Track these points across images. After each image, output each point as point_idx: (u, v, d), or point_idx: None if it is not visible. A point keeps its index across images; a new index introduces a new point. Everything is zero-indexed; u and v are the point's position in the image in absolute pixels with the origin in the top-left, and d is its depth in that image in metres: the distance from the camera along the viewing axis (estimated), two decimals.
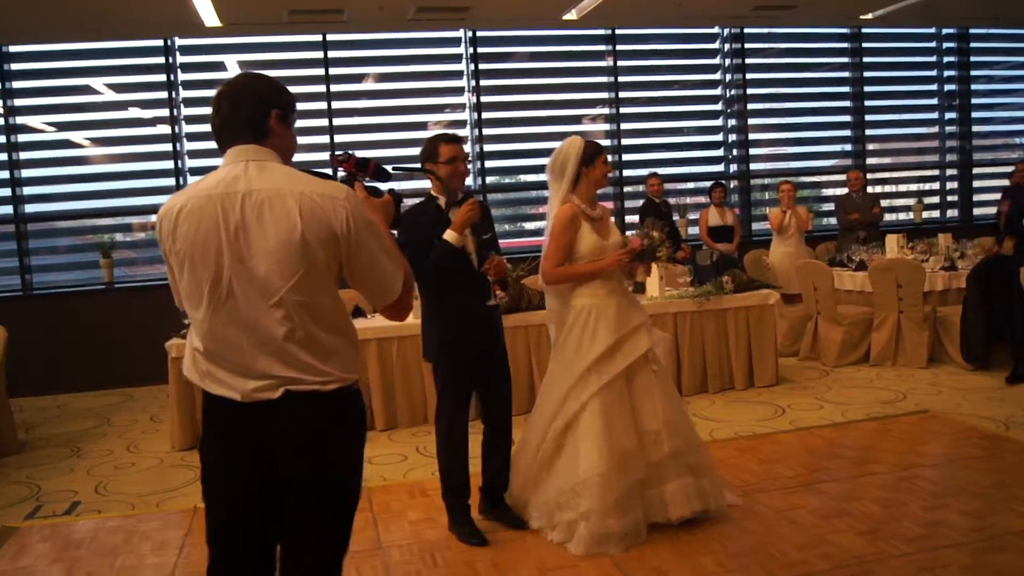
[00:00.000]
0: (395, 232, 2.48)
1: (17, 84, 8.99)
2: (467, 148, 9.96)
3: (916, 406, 6.10)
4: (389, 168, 2.47)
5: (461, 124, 10.13)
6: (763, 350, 6.92)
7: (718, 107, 10.81)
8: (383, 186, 2.43)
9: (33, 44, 8.97)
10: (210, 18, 8.37)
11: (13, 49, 8.94)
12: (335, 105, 9.59)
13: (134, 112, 9.39)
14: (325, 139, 9.60)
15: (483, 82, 9.99)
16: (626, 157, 10.51)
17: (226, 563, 2.20)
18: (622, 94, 10.42)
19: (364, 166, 2.39)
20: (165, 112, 9.21)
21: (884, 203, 10.77)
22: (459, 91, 10.04)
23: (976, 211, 11.86)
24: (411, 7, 8.54)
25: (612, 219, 4.27)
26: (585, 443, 3.87)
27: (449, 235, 3.87)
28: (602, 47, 10.38)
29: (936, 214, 11.86)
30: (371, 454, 5.65)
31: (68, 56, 9.07)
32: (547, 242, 4.07)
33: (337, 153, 2.38)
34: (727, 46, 10.71)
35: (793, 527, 4.00)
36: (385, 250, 2.16)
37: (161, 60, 9.18)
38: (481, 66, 9.95)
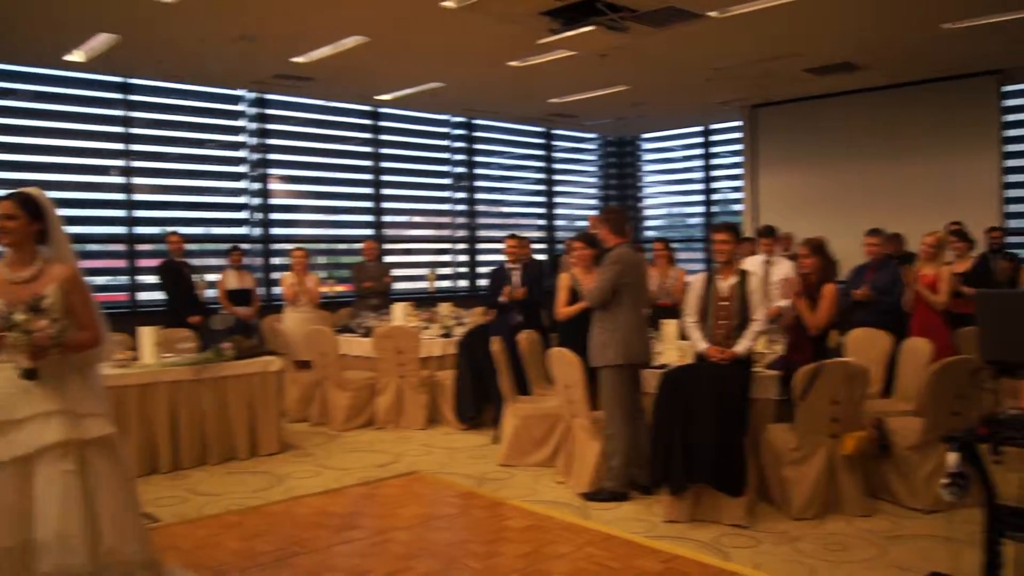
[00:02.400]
0: None
1: None
2: None
3: (407, 467, 6.40)
4: None
5: None
6: (266, 418, 6.81)
7: (241, 169, 10.70)
8: None
9: None
10: None
11: None
12: None
13: None
14: None
15: None
16: (139, 213, 9.92)
17: None
18: (137, 147, 9.86)
19: None
20: None
21: (402, 272, 11.46)
22: None
23: (480, 282, 13.11)
24: None
25: (54, 284, 3.49)
26: None
27: None
28: (115, 95, 9.76)
29: (448, 284, 12.89)
30: None
31: None
32: None
33: None
34: (251, 109, 10.70)
35: None
36: None
37: None
38: None
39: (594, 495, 5.46)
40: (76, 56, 8.68)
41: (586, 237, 6.49)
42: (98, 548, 3.36)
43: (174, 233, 8.85)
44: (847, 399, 5.06)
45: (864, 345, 6.55)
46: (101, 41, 8.23)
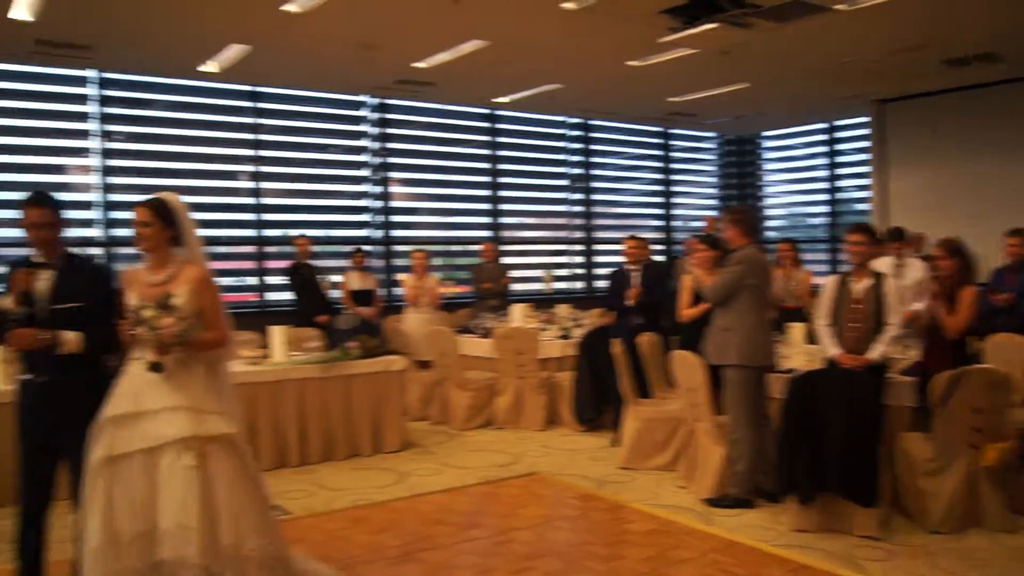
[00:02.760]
0: None
1: None
2: (95, 196, 9.25)
3: (527, 468, 6.43)
4: None
5: (87, 171, 9.36)
6: (390, 416, 6.97)
7: (362, 173, 10.99)
8: None
9: None
10: None
11: None
12: None
13: None
14: None
15: (115, 128, 9.34)
16: (267, 217, 10.31)
17: None
18: (265, 152, 10.26)
19: None
20: None
21: (519, 273, 11.53)
22: (85, 134, 9.30)
23: (597, 283, 13.07)
24: (27, 38, 7.78)
25: (186, 286, 3.65)
26: (92, 514, 3.48)
27: (3, 300, 3.64)
28: (246, 103, 10.17)
29: (564, 285, 12.90)
30: None
31: None
32: None
33: None
34: (372, 114, 10.97)
35: None
36: None
37: None
38: (113, 111, 9.31)
39: (718, 501, 5.36)
40: (210, 67, 9.08)
41: (709, 238, 6.38)
42: (216, 542, 3.44)
43: (302, 236, 9.14)
44: (990, 408, 4.80)
45: (1006, 351, 6.20)
46: (234, 52, 8.59)
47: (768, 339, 5.50)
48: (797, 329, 6.18)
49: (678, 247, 13.68)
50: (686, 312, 6.32)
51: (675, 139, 14.42)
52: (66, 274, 3.71)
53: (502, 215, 12.32)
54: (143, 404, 3.52)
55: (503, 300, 9.55)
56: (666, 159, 14.36)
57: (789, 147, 14.76)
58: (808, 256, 13.14)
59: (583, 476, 6.14)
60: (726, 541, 4.72)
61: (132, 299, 3.64)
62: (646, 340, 6.72)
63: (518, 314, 8.65)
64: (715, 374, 5.47)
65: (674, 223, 14.48)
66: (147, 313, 3.47)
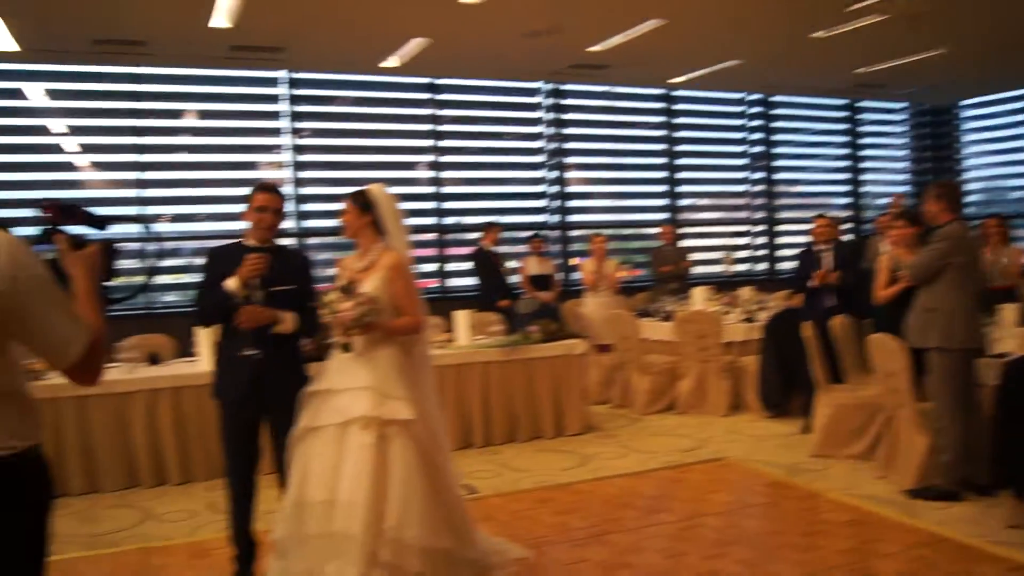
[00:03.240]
0: (110, 284, 2.26)
1: None
2: (286, 191, 9.78)
3: (713, 454, 6.28)
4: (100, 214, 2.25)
5: (279, 167, 9.92)
6: (571, 399, 7.00)
7: (539, 159, 11.06)
8: (97, 234, 2.21)
9: None
10: (5, 42, 7.85)
11: None
12: (146, 141, 9.18)
13: None
14: (134, 175, 9.17)
15: (303, 124, 9.85)
16: (446, 205, 10.58)
17: None
18: (444, 143, 10.52)
19: (71, 213, 2.18)
20: None
21: (698, 256, 11.29)
22: (277, 132, 9.85)
23: (780, 265, 12.61)
24: (224, 44, 8.31)
25: (380, 272, 3.80)
26: (293, 474, 3.70)
27: (230, 282, 3.78)
28: (424, 95, 10.46)
29: (745, 267, 12.52)
30: (159, 511, 5.33)
31: None
32: None
33: (41, 200, 2.17)
34: (547, 100, 11.02)
35: None
36: (59, 305, 1.94)
37: None
38: (302, 108, 9.81)
39: (921, 492, 5.03)
40: (391, 61, 9.38)
41: (908, 214, 5.98)
42: (380, 523, 3.50)
43: (492, 224, 9.29)
44: None
45: None
46: (413, 45, 8.83)
47: (976, 320, 5.10)
48: (1009, 310, 5.72)
49: (867, 226, 12.98)
50: (882, 293, 5.96)
51: (862, 111, 13.67)
52: (278, 259, 3.93)
53: (680, 197, 12.09)
54: (337, 382, 3.71)
55: (682, 283, 9.38)
56: (853, 133, 13.64)
57: (992, 115, 13.67)
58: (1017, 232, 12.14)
59: (773, 463, 5.94)
60: (932, 535, 4.43)
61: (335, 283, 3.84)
62: (839, 323, 6.41)
63: (699, 297, 8.47)
64: (917, 358, 5.13)
65: (862, 201, 13.74)
66: (329, 297, 3.65)
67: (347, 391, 3.67)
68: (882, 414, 5.68)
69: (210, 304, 3.89)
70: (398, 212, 3.94)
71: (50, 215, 2.15)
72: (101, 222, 2.25)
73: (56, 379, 5.71)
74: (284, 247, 4.06)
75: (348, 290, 3.67)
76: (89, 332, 1.98)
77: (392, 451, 3.60)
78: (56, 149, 9.20)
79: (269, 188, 3.94)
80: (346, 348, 3.71)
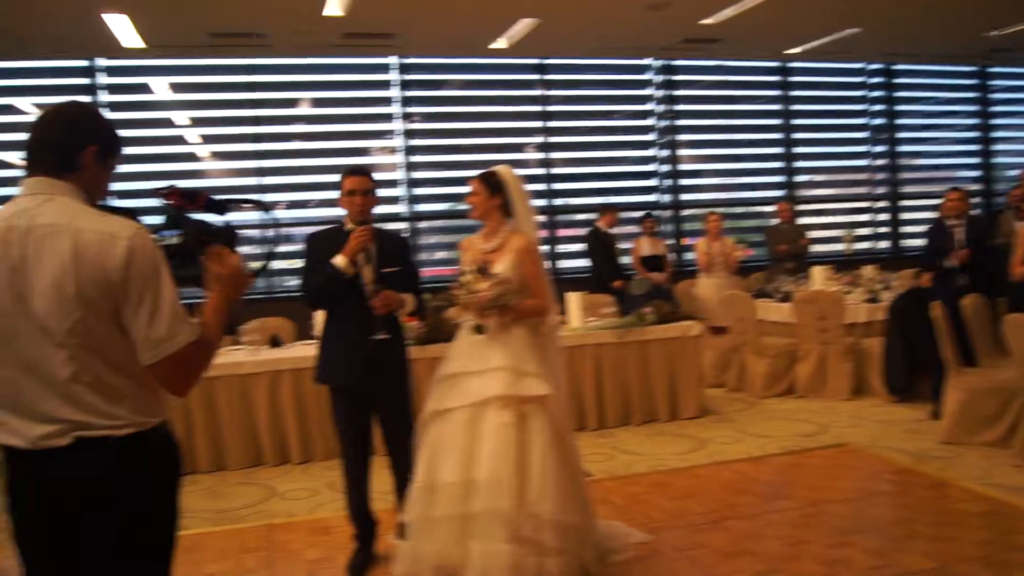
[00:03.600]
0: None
1: None
2: (397, 175, 9.93)
3: (835, 439, 6.06)
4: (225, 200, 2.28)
5: (391, 152, 10.06)
6: (686, 382, 6.87)
7: (649, 137, 10.88)
8: (219, 219, 2.24)
9: None
10: (131, 39, 8.20)
11: None
12: (262, 130, 9.46)
13: None
14: (253, 164, 9.47)
15: (414, 109, 9.95)
16: (556, 187, 10.53)
17: None
18: (553, 123, 10.45)
19: (193, 199, 2.20)
20: None
21: (817, 234, 10.92)
22: (389, 118, 9.98)
23: (904, 242, 12.06)
24: (336, 32, 8.46)
25: (510, 255, 3.81)
26: (422, 456, 3.75)
27: (338, 259, 3.84)
28: (532, 76, 10.41)
29: (867, 245, 12.03)
30: (282, 489, 5.51)
31: None
32: None
33: (160, 187, 2.21)
34: (657, 77, 10.81)
35: (692, 567, 3.90)
36: (166, 300, 1.96)
37: (85, 81, 8.98)
38: (412, 93, 9.91)
39: None
40: (500, 43, 9.37)
41: None
42: (523, 499, 3.53)
43: (610, 206, 9.20)
44: None
45: None
46: (522, 26, 8.79)
47: None
48: None
49: (999, 199, 12.27)
50: (1019, 269, 5.63)
51: (995, 78, 12.88)
52: (380, 241, 3.98)
53: (797, 172, 11.68)
54: (469, 365, 3.73)
55: (801, 262, 9.08)
56: (983, 101, 12.88)
57: None
58: None
59: (899, 449, 5.69)
60: None
61: (464, 265, 3.86)
62: (971, 302, 6.07)
63: (819, 277, 8.17)
64: None
65: (993, 173, 12.99)
66: (466, 278, 3.65)
67: (480, 373, 3.70)
68: (1019, 399, 5.36)
69: (319, 284, 3.92)
70: (526, 193, 3.95)
71: (173, 201, 2.18)
72: (222, 207, 2.27)
73: None
74: (385, 230, 4.08)
75: (484, 271, 3.68)
76: (193, 336, 1.99)
77: (530, 428, 3.63)
78: (180, 140, 9.58)
79: (356, 171, 3.97)
80: (480, 330, 3.72)
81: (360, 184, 3.92)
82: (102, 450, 1.95)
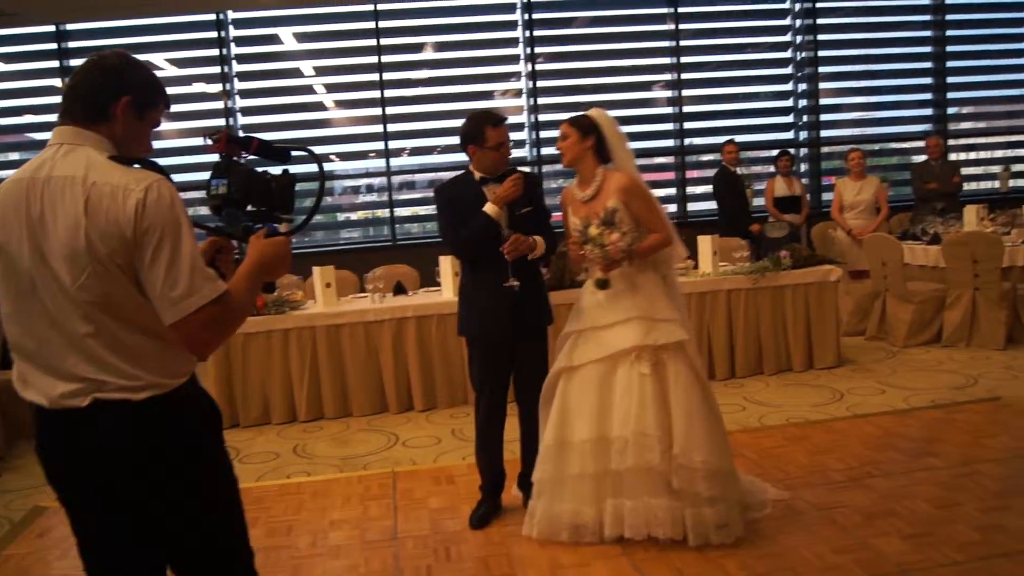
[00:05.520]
0: (285, 216, 2.14)
1: (77, 62, 9.08)
2: (523, 118, 9.77)
3: (987, 393, 5.64)
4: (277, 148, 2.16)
5: (517, 93, 9.90)
6: (824, 330, 6.52)
7: (787, 71, 10.30)
8: (276, 169, 2.11)
9: (90, 22, 9.04)
10: None
11: (71, 27, 9.04)
12: (387, 76, 9.45)
13: (198, 87, 9.38)
14: (378, 111, 9.50)
15: (539, 49, 9.72)
16: (688, 125, 10.13)
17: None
18: (684, 59, 10.01)
19: (244, 144, 2.08)
20: (218, 87, 9.21)
21: (969, 171, 10.18)
22: (515, 59, 9.79)
23: None
24: None
25: (613, 196, 3.65)
26: (549, 419, 3.66)
27: (489, 208, 3.77)
28: (663, 10, 9.97)
29: None
30: (406, 436, 5.55)
31: (126, 33, 9.07)
32: None
33: (211, 129, 2.10)
34: (797, 5, 10.18)
35: (834, 528, 3.68)
36: (188, 258, 1.83)
37: (214, 34, 9.17)
38: (537, 33, 9.68)
39: None
40: None
41: None
42: (670, 450, 3.45)
43: (730, 142, 8.81)
44: None
45: None
46: None
47: None
48: None
49: None
50: None
51: None
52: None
53: (948, 105, 10.82)
54: (598, 319, 3.63)
55: (952, 201, 8.45)
56: None
57: None
58: None
59: None
60: None
61: (573, 218, 3.73)
62: None
63: (972, 217, 7.58)
64: None
65: None
66: (594, 231, 3.50)
67: (611, 326, 3.60)
68: None
69: (472, 236, 3.81)
70: (621, 134, 3.78)
71: (218, 148, 2.07)
72: (278, 154, 2.15)
73: (312, 308, 6.06)
74: (514, 168, 3.94)
75: (610, 221, 3.53)
76: (215, 293, 1.86)
77: (669, 376, 3.54)
78: (308, 91, 9.68)
79: (501, 121, 3.83)
80: (603, 284, 3.60)
81: (507, 134, 3.82)
82: (120, 416, 1.88)
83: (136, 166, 1.87)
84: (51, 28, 9.00)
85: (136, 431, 1.89)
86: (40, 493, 4.88)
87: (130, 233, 1.80)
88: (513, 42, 9.75)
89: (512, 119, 9.64)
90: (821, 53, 10.20)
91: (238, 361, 5.92)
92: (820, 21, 10.15)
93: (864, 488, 4.11)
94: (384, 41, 9.39)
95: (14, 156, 9.50)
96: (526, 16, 9.61)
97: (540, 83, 9.77)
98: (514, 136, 9.65)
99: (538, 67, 9.75)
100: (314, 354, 5.98)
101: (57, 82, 9.05)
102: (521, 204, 3.82)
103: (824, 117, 10.44)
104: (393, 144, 9.63)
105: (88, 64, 1.95)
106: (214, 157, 2.09)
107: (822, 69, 10.24)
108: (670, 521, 3.45)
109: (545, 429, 3.68)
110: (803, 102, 10.34)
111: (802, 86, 10.31)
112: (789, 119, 10.41)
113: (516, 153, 9.73)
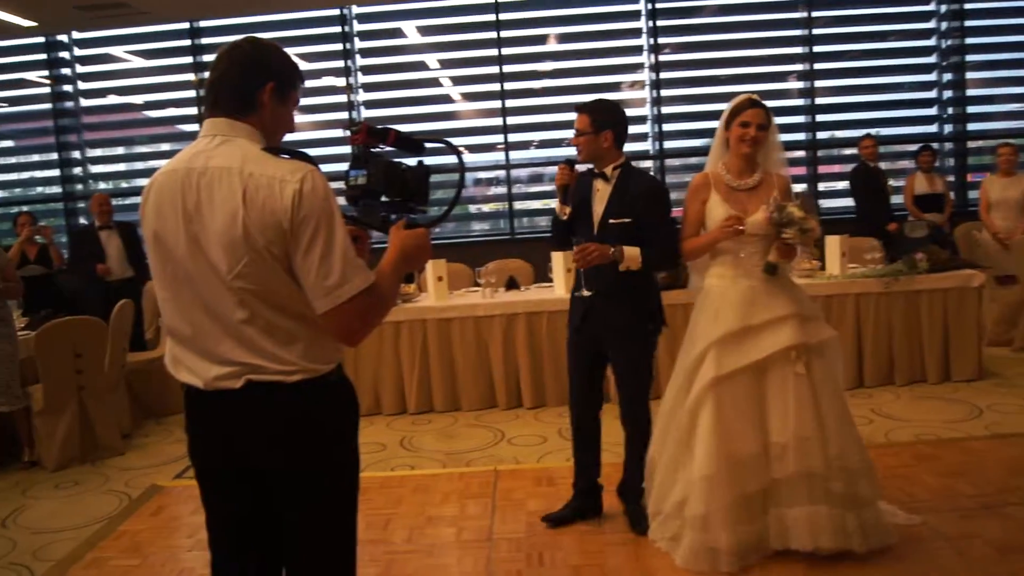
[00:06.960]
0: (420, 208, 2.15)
1: (207, 58, 9.42)
2: (645, 111, 9.53)
3: None
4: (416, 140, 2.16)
5: (641, 87, 9.67)
6: (963, 339, 6.06)
7: (931, 60, 9.64)
8: (412, 161, 2.12)
9: (222, 19, 9.36)
10: None
11: (203, 24, 9.38)
12: (507, 69, 9.39)
13: (327, 81, 9.56)
14: (497, 104, 9.45)
15: (662, 40, 9.44)
16: (823, 118, 9.64)
17: (222, 563, 2.11)
18: (818, 48, 9.52)
19: (382, 136, 2.09)
20: (341, 81, 9.36)
21: None
22: (638, 50, 9.55)
23: None
24: None
25: (780, 190, 3.52)
26: (699, 442, 3.40)
27: (557, 207, 3.84)
28: None
29: None
30: (512, 434, 5.48)
31: (252, 29, 9.33)
32: None
33: (351, 121, 2.08)
34: None
35: (961, 560, 3.36)
36: (341, 247, 1.86)
37: (338, 29, 9.33)
38: (662, 23, 9.41)
39: None
40: None
41: None
42: (827, 452, 3.31)
43: (867, 136, 8.33)
44: None
45: None
46: None
47: None
48: None
49: None
50: None
51: None
52: (622, 186, 3.68)
53: None
54: (749, 318, 3.44)
55: None
56: None
57: None
58: None
59: None
60: None
61: (729, 205, 3.52)
62: None
63: None
64: None
65: None
66: (797, 212, 3.33)
67: (764, 325, 3.43)
68: None
69: (553, 230, 3.86)
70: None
71: (358, 139, 2.08)
72: (415, 145, 2.16)
73: (423, 301, 6.06)
74: (634, 172, 3.76)
75: (807, 204, 3.39)
76: (367, 283, 1.90)
77: (816, 375, 3.40)
78: (431, 83, 9.73)
79: (578, 109, 3.76)
80: (773, 270, 3.46)
81: (577, 124, 3.71)
82: (272, 396, 1.93)
83: (285, 156, 1.90)
84: (185, 25, 9.36)
85: (287, 410, 1.94)
86: (159, 473, 5.06)
87: (287, 223, 1.83)
88: (636, 32, 9.49)
89: (634, 112, 9.44)
90: (968, 40, 9.49)
91: (350, 352, 5.97)
92: (968, 5, 9.44)
93: (1000, 518, 3.75)
94: (504, 33, 9.32)
95: (165, 147, 9.92)
96: (649, 6, 9.34)
97: (664, 75, 9.49)
98: (636, 129, 9.44)
99: (661, 58, 9.47)
100: (424, 347, 5.99)
101: (191, 76, 9.41)
102: (619, 212, 3.65)
103: (971, 109, 9.72)
104: (512, 137, 9.55)
105: (225, 55, 1.99)
106: (339, 149, 2.10)
107: (969, 57, 9.53)
108: (831, 529, 3.28)
109: (696, 456, 3.40)
110: (948, 93, 9.66)
111: (947, 76, 9.62)
112: (932, 111, 9.76)
113: (638, 146, 9.50)
